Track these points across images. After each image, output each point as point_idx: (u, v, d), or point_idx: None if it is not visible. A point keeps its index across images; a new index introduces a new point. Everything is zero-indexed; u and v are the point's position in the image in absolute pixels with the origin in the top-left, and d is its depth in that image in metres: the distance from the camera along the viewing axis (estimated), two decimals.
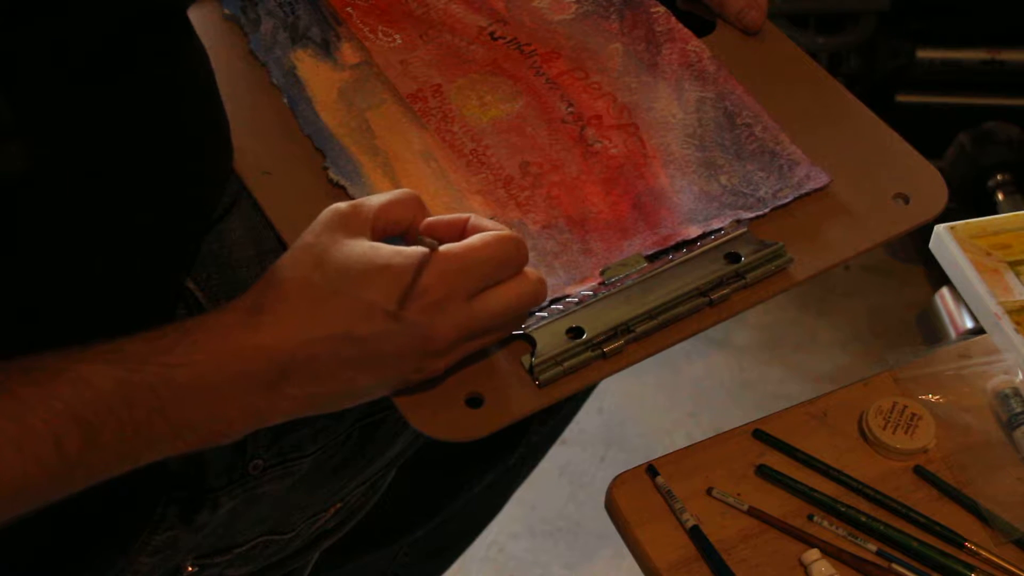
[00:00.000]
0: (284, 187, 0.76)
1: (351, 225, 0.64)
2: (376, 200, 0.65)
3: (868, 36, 1.67)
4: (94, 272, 0.66)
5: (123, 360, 0.59)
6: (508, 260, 0.65)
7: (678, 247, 0.74)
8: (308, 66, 0.82)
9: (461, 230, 0.66)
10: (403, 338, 0.62)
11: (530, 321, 0.69)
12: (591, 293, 0.71)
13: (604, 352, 0.69)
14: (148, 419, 0.59)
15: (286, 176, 0.77)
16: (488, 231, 0.65)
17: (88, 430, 0.57)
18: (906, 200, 0.77)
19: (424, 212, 0.67)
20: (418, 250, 0.63)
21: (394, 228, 0.66)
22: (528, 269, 0.66)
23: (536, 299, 0.66)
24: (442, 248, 0.63)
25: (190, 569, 0.78)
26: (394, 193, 0.66)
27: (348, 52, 0.83)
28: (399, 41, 0.84)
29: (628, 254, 0.73)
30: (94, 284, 0.66)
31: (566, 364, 0.68)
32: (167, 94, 0.68)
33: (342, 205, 0.65)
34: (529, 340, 0.69)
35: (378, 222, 0.65)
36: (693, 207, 0.75)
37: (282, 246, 0.74)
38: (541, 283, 0.66)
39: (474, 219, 0.67)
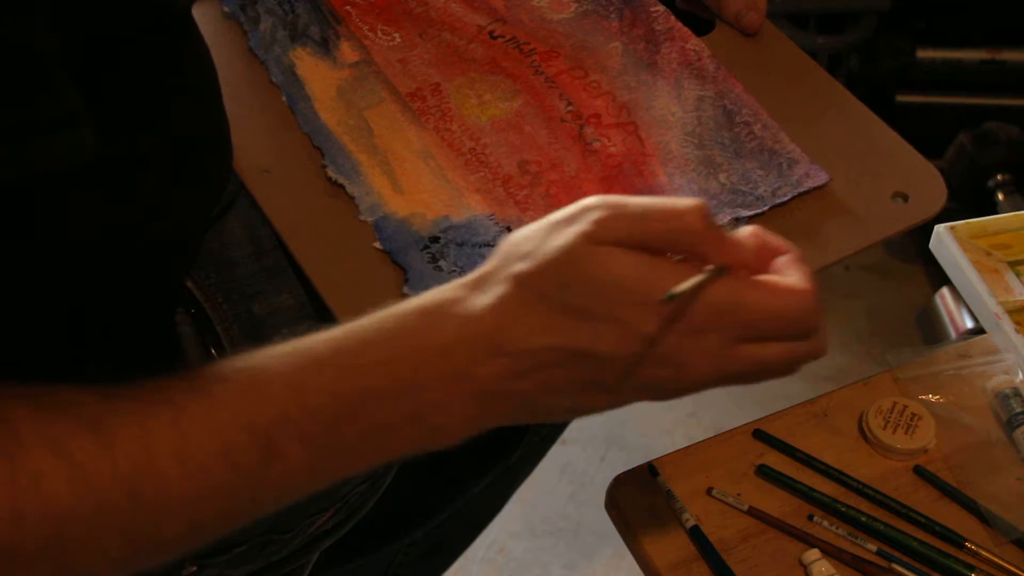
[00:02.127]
0: (283, 185, 0.76)
1: (615, 228, 0.54)
2: (652, 205, 0.55)
3: (868, 36, 1.68)
4: (94, 271, 0.65)
5: (298, 360, 0.53)
6: (799, 322, 0.56)
7: None
8: (307, 64, 0.82)
9: (769, 256, 0.57)
10: (654, 367, 0.55)
11: None
12: None
13: None
14: (335, 424, 0.53)
15: (285, 174, 0.77)
16: (793, 278, 0.56)
17: (263, 441, 0.51)
18: (905, 199, 0.77)
19: (708, 226, 0.55)
20: (700, 276, 0.54)
21: (673, 242, 0.55)
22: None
23: (808, 357, 0.57)
24: (733, 282, 0.54)
25: (191, 569, 0.78)
26: (678, 203, 0.55)
27: (347, 50, 0.83)
28: (398, 40, 0.84)
29: None
30: (94, 283, 0.66)
31: None
32: (168, 93, 0.67)
33: (609, 201, 0.55)
34: None
35: (650, 232, 0.55)
36: None
37: (280, 244, 0.74)
38: (823, 344, 0.57)
39: (788, 259, 0.57)
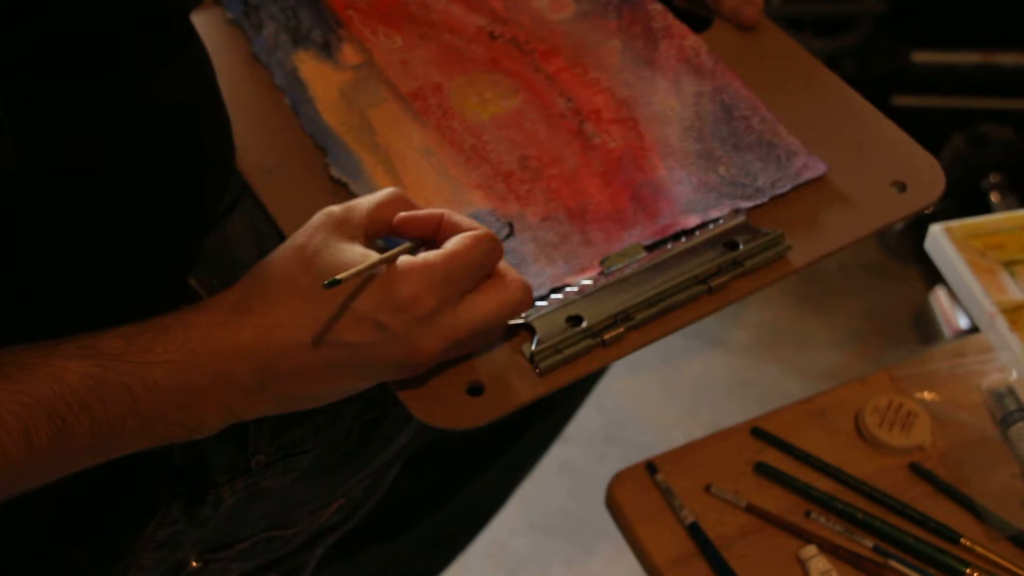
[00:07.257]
0: (286, 184, 0.77)
1: (344, 228, 0.64)
2: (366, 202, 0.65)
3: (864, 39, 1.68)
4: (94, 271, 0.66)
5: (98, 356, 0.58)
6: (486, 261, 0.65)
7: (676, 237, 0.74)
8: (310, 67, 0.83)
9: (436, 226, 0.66)
10: (390, 347, 0.62)
11: (531, 311, 0.69)
12: (591, 283, 0.71)
13: (604, 340, 0.69)
14: (120, 416, 0.58)
15: (288, 174, 0.77)
16: (463, 231, 0.65)
17: (58, 424, 0.57)
18: (903, 188, 0.77)
19: (411, 207, 0.67)
20: (406, 257, 0.62)
21: (385, 228, 0.66)
22: (512, 277, 0.66)
23: (521, 307, 0.66)
24: (425, 257, 0.63)
25: (194, 564, 0.78)
26: (381, 194, 0.66)
27: (349, 53, 0.84)
28: (399, 42, 0.85)
29: (627, 244, 0.73)
30: (95, 283, 0.66)
31: (566, 352, 0.68)
32: (167, 94, 0.68)
33: (335, 208, 0.65)
34: (530, 329, 0.69)
35: (370, 225, 0.65)
36: (692, 197, 0.75)
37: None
38: (527, 291, 0.66)
39: (447, 215, 0.66)
